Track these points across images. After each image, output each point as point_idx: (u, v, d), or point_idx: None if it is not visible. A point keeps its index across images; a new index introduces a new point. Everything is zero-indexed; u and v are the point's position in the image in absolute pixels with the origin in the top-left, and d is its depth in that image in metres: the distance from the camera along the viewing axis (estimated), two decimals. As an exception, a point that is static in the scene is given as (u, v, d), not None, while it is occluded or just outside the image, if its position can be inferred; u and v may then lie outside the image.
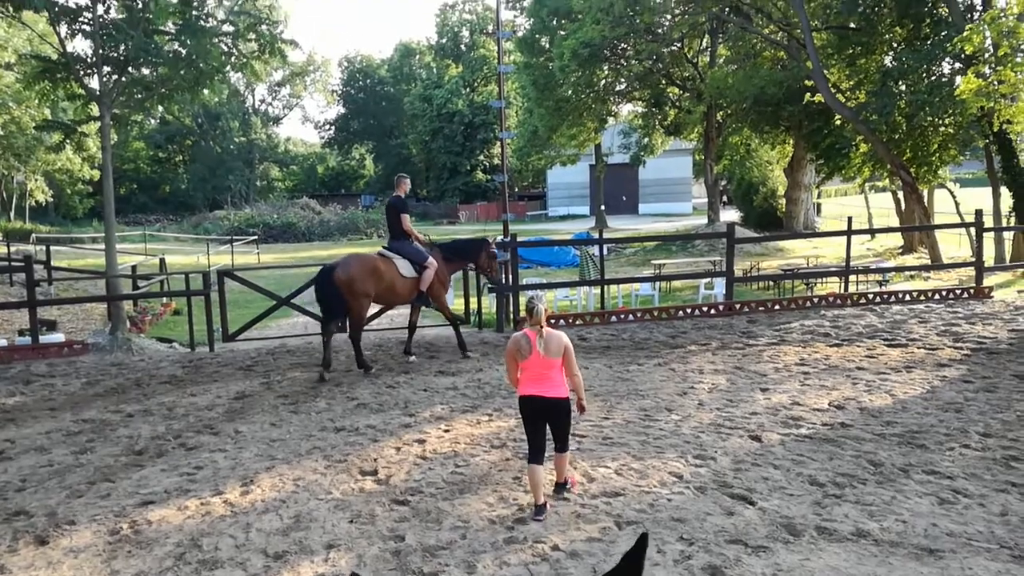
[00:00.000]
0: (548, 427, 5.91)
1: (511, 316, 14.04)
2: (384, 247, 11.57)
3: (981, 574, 4.74)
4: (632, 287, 17.63)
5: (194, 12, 14.51)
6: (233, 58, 15.34)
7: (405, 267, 11.19)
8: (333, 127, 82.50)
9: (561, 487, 6.18)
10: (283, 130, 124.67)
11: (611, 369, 10.62)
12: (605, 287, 16.27)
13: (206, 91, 15.27)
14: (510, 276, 14.27)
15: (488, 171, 66.26)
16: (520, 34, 36.59)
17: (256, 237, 40.85)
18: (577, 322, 14.08)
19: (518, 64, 37.36)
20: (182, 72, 14.62)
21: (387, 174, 77.10)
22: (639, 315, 14.45)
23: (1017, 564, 4.86)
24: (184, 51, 14.68)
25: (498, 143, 17.89)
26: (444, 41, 74.53)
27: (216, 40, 14.67)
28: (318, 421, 8.64)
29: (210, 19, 15.34)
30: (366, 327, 12.45)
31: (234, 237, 38.99)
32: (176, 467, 7.25)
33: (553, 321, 14.01)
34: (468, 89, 68.31)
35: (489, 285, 14.56)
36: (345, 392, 9.92)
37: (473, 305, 14.82)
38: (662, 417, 8.25)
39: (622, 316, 14.44)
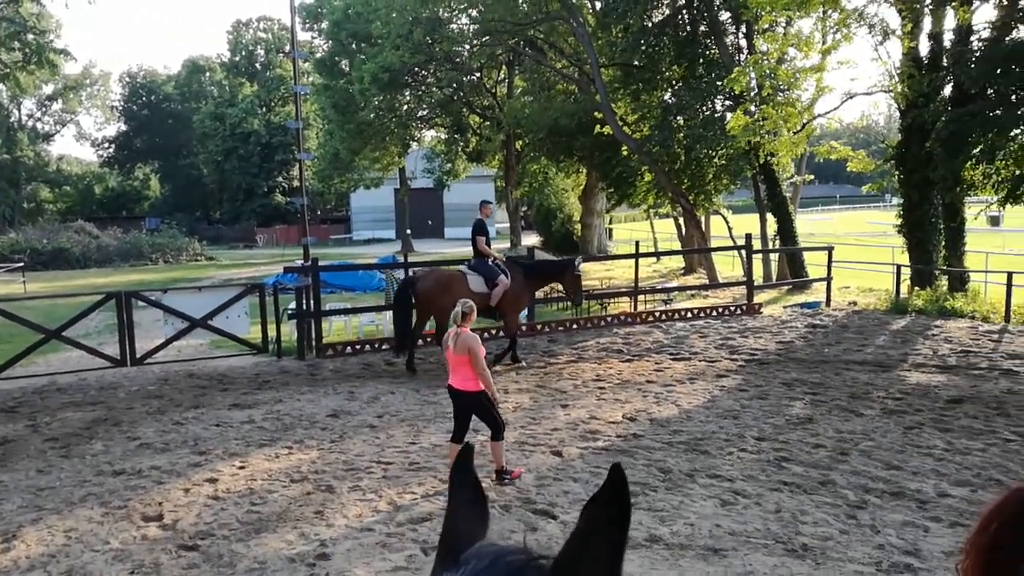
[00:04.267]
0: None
1: (313, 343, 13.56)
2: (466, 265, 12.58)
3: (760, 569, 5.13)
4: (437, 310, 17.66)
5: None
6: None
7: (477, 283, 11.99)
8: (113, 145, 76.36)
9: (500, 475, 6.82)
10: (55, 148, 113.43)
11: (419, 393, 10.54)
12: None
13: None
14: (311, 302, 13.80)
15: (287, 193, 64.03)
16: (319, 55, 35.91)
17: (22, 264, 36.75)
18: (383, 347, 13.86)
19: (317, 86, 36.62)
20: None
21: (175, 195, 72.32)
22: (393, 348, 14.39)
23: (790, 557, 5.32)
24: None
25: (297, 164, 17.37)
26: (238, 59, 71.51)
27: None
28: (94, 465, 7.83)
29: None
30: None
31: (-5, 265, 34.83)
32: (-85, 529, 6.27)
33: (359, 347, 13.72)
34: (264, 109, 65.87)
35: (289, 311, 14.01)
36: (125, 432, 9.07)
37: (271, 333, 14.14)
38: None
39: (429, 340, 14.40)
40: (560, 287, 13.73)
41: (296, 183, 63.05)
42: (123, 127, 75.90)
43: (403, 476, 7.12)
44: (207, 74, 75.24)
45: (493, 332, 14.22)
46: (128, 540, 5.87)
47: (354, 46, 34.10)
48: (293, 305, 14.21)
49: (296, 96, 17.19)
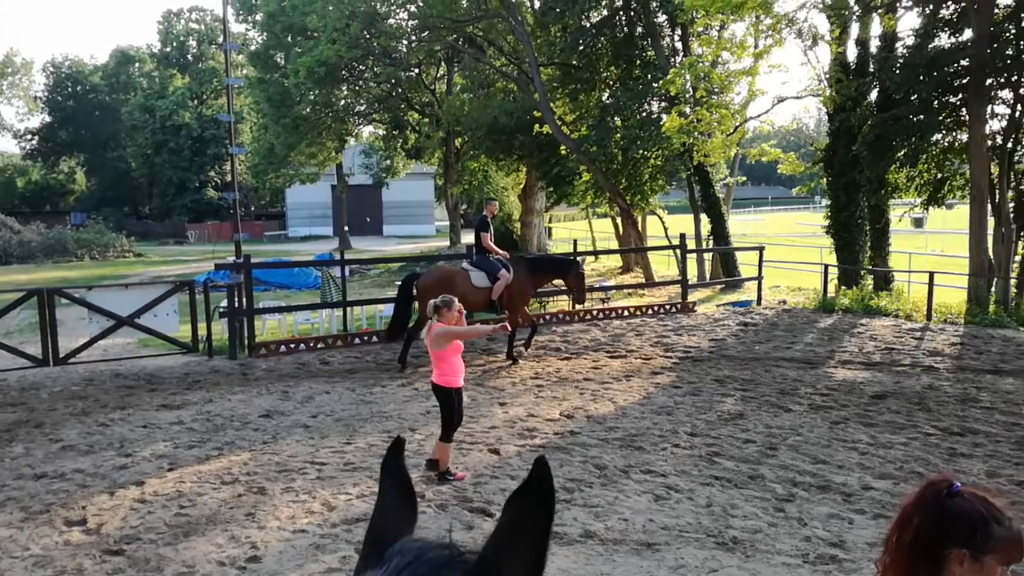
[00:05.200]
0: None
1: (245, 342, 13.28)
2: (469, 260, 12.87)
3: (691, 562, 5.23)
4: (376, 308, 17.50)
5: None
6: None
7: (479, 278, 12.26)
8: (37, 137, 73.36)
9: (439, 469, 6.80)
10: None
11: (354, 392, 10.41)
12: (348, 309, 15.99)
13: None
14: (243, 299, 13.51)
15: (220, 188, 62.52)
16: (253, 48, 35.16)
17: (-66, 261, 35.04)
18: (319, 345, 13.66)
19: (251, 79, 35.84)
20: None
21: (102, 189, 69.93)
22: (383, 336, 14.36)
23: (721, 550, 5.43)
24: None
25: (230, 159, 16.97)
26: (169, 50, 69.52)
27: None
28: (13, 468, 7.51)
29: None
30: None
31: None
32: None
33: (293, 345, 13.49)
34: (196, 101, 64.18)
35: (220, 309, 13.69)
36: (47, 434, 8.73)
37: (202, 331, 13.80)
38: (405, 438, 8.19)
39: (366, 338, 14.26)
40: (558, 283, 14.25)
41: (229, 178, 61.76)
42: (47, 118, 73.01)
43: (338, 477, 7.03)
44: (136, 65, 72.87)
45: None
46: (50, 546, 5.66)
47: (289, 39, 33.48)
48: (225, 303, 13.87)
49: (228, 89, 16.81)
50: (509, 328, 7.09)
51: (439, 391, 6.87)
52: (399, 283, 13.08)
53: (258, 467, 7.37)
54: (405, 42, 30.57)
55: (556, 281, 14.10)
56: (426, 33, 28.33)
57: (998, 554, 1.61)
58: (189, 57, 68.86)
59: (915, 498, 1.72)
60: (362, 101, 36.01)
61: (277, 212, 65.43)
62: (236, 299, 13.39)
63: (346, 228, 44.52)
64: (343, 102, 35.10)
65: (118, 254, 42.10)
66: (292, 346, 13.50)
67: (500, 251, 12.95)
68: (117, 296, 13.01)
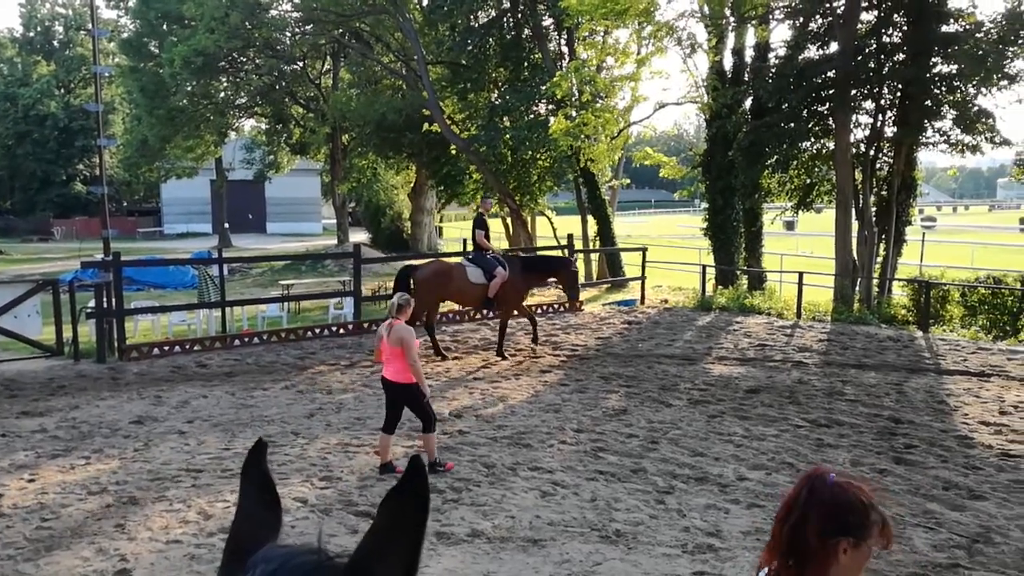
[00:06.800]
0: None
1: (115, 344, 12.56)
2: (466, 257, 13.18)
3: (576, 556, 5.31)
4: (258, 309, 16.93)
5: None
6: None
7: (475, 274, 12.44)
8: None
9: (433, 467, 6.82)
10: None
11: (234, 396, 10.03)
12: (227, 309, 15.39)
13: None
14: (113, 299, 12.77)
15: (88, 182, 58.91)
16: (125, 35, 33.35)
17: None
18: (196, 348, 13.08)
19: (123, 67, 33.97)
20: None
21: (-47, 182, 64.66)
22: (265, 337, 13.92)
23: (605, 543, 5.54)
24: None
25: (98, 151, 15.90)
26: (32, 35, 64.98)
27: None
28: None
29: None
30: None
31: None
32: None
33: (167, 348, 12.87)
34: (63, 90, 60.31)
35: (87, 310, 12.90)
36: None
37: (68, 333, 12.96)
38: (287, 442, 7.97)
39: (246, 339, 13.77)
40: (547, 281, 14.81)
41: (99, 171, 58.31)
42: None
43: (215, 484, 6.74)
44: (-6, 49, 67.76)
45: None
46: None
47: (165, 27, 31.91)
48: (92, 303, 13.06)
49: (96, 77, 15.87)
50: (427, 395, 7.01)
51: (395, 387, 6.85)
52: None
53: (128, 476, 6.98)
54: (288, 34, 29.70)
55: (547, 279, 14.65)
56: (310, 26, 27.60)
57: (874, 538, 1.70)
58: (55, 43, 64.59)
59: (796, 492, 1.79)
60: (243, 94, 34.74)
61: (152, 208, 62.28)
62: (104, 299, 12.64)
63: (226, 225, 42.89)
64: (223, 94, 33.76)
65: (-27, 251, 39.04)
66: (166, 348, 12.88)
67: (492, 248, 13.25)
68: (-30, 296, 12.04)
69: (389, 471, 6.90)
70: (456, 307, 17.37)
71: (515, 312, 13.40)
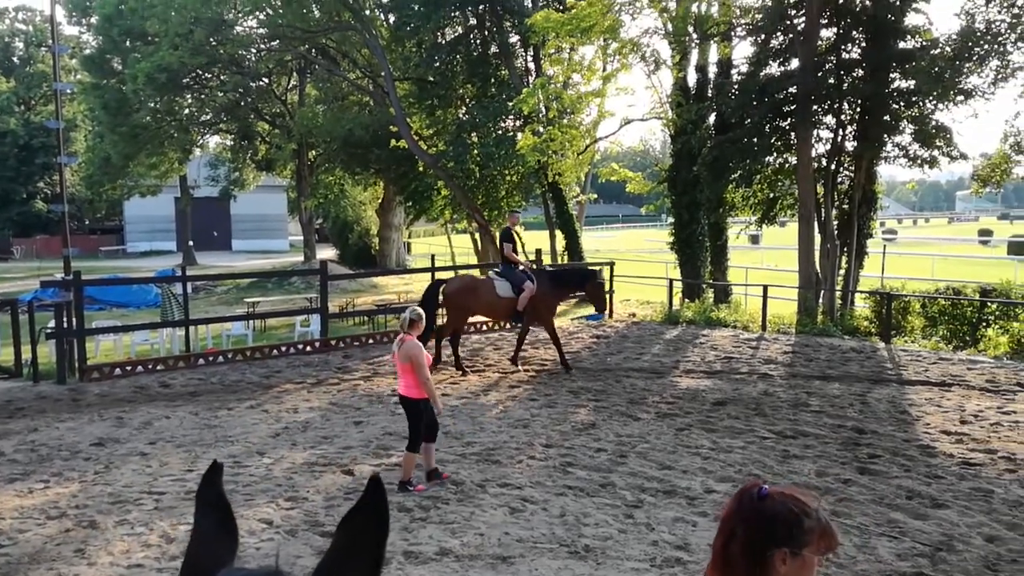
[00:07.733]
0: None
1: (76, 365, 12.30)
2: (495, 271, 13.22)
3: (545, 573, 5.28)
4: (223, 327, 16.71)
5: None
6: None
7: (504, 288, 12.46)
8: None
9: (430, 476, 7.03)
10: None
11: (197, 416, 9.86)
12: (192, 328, 15.18)
13: None
14: (73, 319, 12.52)
15: (49, 200, 57.83)
16: (87, 52, 32.92)
17: None
18: (159, 367, 12.86)
19: (84, 84, 33.52)
20: None
21: (-88, 200, 63.13)
22: (230, 356, 13.73)
23: (574, 559, 5.52)
24: None
25: (59, 169, 15.62)
26: (-9, 51, 63.93)
27: None
28: None
29: None
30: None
31: None
32: None
33: (130, 368, 12.64)
34: (23, 107, 59.31)
35: (47, 330, 12.64)
36: None
37: (26, 354, 12.68)
38: (253, 462, 7.85)
39: (211, 358, 13.58)
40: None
41: (60, 189, 57.26)
42: None
43: (178, 506, 6.61)
44: (-48, 65, 66.53)
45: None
46: None
47: (128, 44, 31.54)
48: (52, 323, 12.79)
49: (56, 94, 15.65)
50: (439, 411, 7.11)
51: (407, 402, 6.92)
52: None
53: (89, 499, 6.82)
54: (254, 50, 29.53)
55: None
56: (276, 42, 27.48)
57: (813, 546, 1.70)
58: (15, 60, 63.57)
59: (731, 508, 1.79)
60: (208, 110, 34.44)
61: (115, 226, 61.29)
62: (65, 318, 12.39)
63: (190, 243, 42.39)
64: (187, 111, 33.45)
65: (-72, 271, 38.10)
66: (129, 368, 12.66)
67: (522, 262, 13.33)
68: (-77, 317, 11.74)
69: (436, 477, 7.10)
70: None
71: (539, 324, 13.17)
